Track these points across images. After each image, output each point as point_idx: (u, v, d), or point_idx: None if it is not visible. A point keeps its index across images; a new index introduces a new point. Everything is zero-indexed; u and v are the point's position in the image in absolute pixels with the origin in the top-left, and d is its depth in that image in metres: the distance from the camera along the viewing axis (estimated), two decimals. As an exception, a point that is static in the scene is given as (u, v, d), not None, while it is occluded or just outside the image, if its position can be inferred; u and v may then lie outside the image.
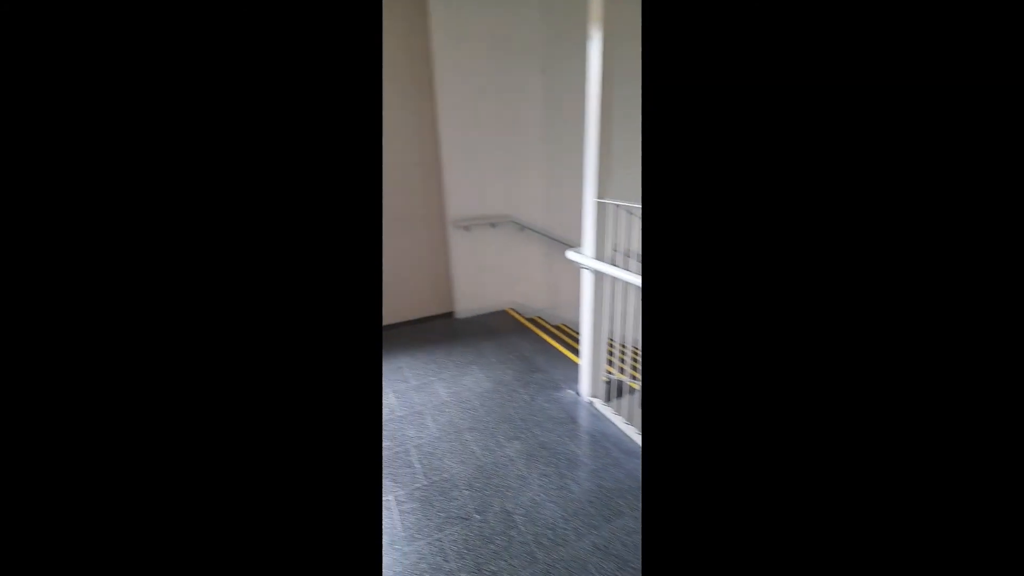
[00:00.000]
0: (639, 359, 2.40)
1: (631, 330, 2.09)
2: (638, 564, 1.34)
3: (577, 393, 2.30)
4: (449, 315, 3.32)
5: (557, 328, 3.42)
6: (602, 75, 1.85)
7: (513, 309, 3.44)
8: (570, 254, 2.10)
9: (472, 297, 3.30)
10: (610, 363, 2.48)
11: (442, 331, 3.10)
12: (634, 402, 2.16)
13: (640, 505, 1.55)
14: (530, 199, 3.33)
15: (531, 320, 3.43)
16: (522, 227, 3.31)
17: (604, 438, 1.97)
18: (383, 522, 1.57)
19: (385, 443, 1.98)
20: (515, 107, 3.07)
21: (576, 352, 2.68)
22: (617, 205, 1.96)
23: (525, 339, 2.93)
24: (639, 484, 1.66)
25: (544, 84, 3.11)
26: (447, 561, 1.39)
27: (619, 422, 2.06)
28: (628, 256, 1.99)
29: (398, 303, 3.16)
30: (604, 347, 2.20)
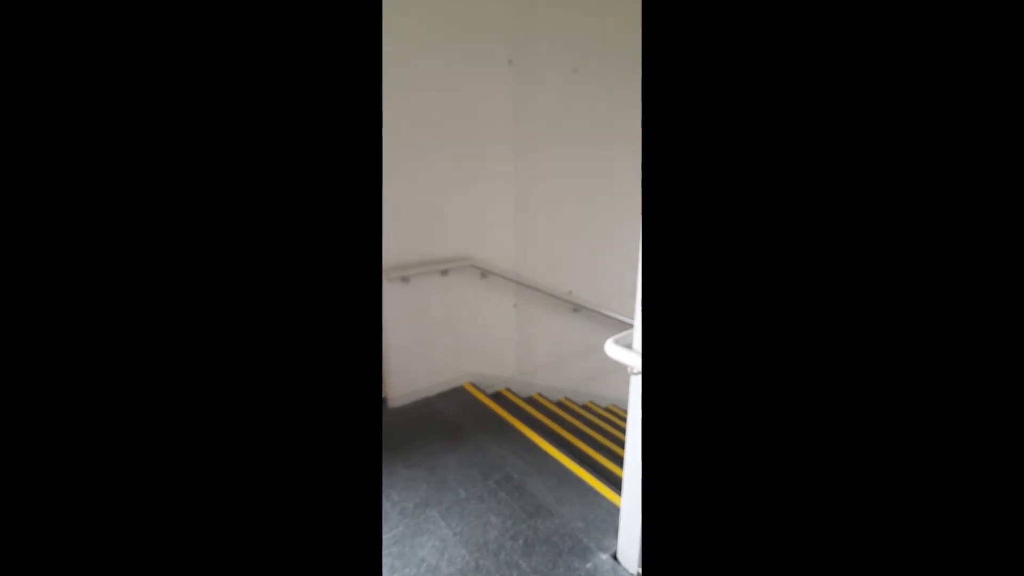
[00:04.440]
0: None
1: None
2: None
3: (616, 559, 1.42)
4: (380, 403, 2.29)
5: (550, 407, 2.52)
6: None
7: (473, 384, 2.49)
8: (615, 348, 1.23)
9: (414, 374, 2.30)
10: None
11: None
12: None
13: None
14: (495, 234, 2.43)
15: (499, 396, 2.50)
16: (484, 272, 2.40)
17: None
18: None
19: None
20: (474, 112, 2.18)
21: (593, 467, 1.82)
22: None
23: (505, 442, 1.99)
24: None
25: (513, 79, 2.26)
26: None
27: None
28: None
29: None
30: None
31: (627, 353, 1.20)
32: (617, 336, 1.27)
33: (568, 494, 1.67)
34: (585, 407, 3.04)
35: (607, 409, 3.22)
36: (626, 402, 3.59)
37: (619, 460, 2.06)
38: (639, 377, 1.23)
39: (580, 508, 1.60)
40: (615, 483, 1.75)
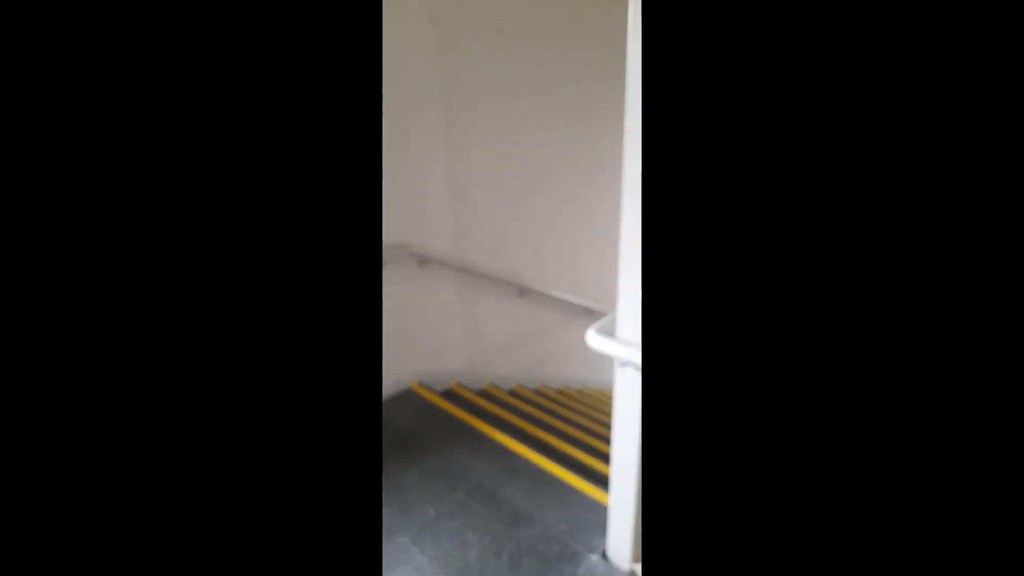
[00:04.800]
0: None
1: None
2: None
3: (605, 557, 1.34)
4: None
5: (505, 398, 2.37)
6: None
7: (421, 384, 2.29)
8: (599, 339, 1.11)
9: (357, 380, 2.05)
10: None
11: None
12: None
13: None
14: (431, 215, 2.21)
15: (451, 394, 2.32)
16: (423, 259, 2.18)
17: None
18: None
19: None
20: (395, 79, 1.92)
21: (566, 461, 1.71)
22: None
23: (469, 446, 1.82)
24: None
25: (436, 41, 2.02)
26: None
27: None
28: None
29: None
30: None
31: (613, 344, 1.08)
32: (598, 324, 1.15)
33: (546, 496, 1.56)
34: (538, 392, 2.96)
35: (559, 391, 3.17)
36: (577, 381, 3.57)
37: (591, 450, 2.00)
38: (627, 368, 1.13)
39: (561, 509, 1.49)
40: (592, 477, 1.67)
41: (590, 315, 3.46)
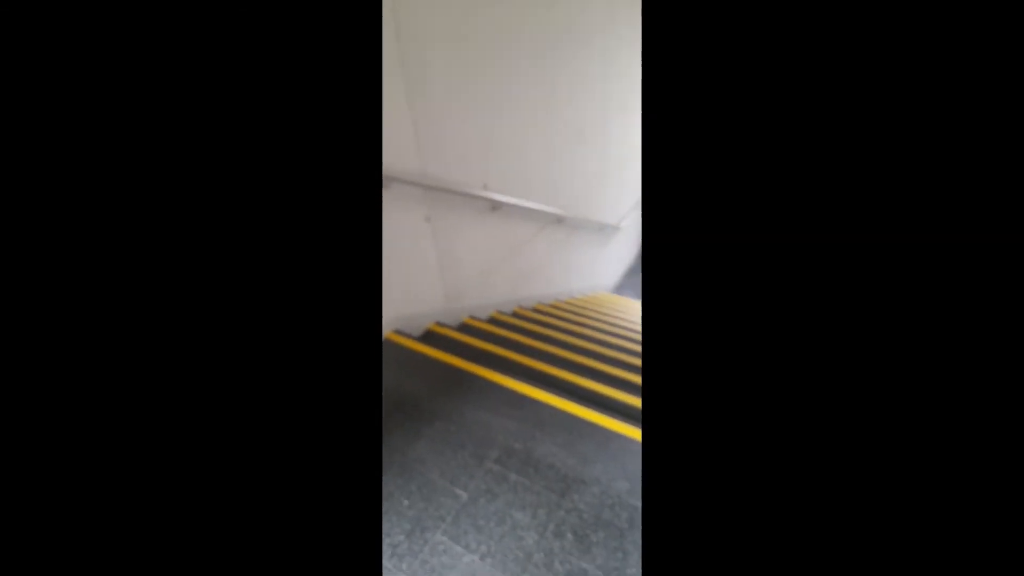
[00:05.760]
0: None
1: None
2: None
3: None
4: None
5: (492, 330, 2.06)
6: None
7: (399, 331, 1.92)
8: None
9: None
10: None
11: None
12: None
13: None
14: (391, 132, 1.68)
15: (432, 337, 1.99)
16: (385, 180, 1.68)
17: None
18: None
19: None
20: None
21: (591, 400, 1.50)
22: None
23: (478, 399, 1.54)
24: None
25: None
26: None
27: None
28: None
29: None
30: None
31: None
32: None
33: (588, 448, 1.36)
34: (515, 315, 2.71)
35: (535, 310, 2.94)
36: (548, 296, 3.33)
37: (608, 379, 1.81)
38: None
39: (611, 463, 1.31)
40: (624, 413, 1.49)
41: (559, 223, 3.17)
